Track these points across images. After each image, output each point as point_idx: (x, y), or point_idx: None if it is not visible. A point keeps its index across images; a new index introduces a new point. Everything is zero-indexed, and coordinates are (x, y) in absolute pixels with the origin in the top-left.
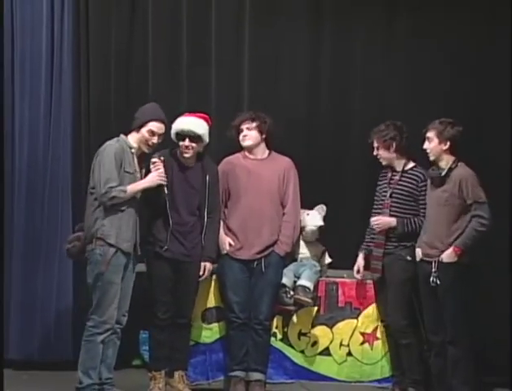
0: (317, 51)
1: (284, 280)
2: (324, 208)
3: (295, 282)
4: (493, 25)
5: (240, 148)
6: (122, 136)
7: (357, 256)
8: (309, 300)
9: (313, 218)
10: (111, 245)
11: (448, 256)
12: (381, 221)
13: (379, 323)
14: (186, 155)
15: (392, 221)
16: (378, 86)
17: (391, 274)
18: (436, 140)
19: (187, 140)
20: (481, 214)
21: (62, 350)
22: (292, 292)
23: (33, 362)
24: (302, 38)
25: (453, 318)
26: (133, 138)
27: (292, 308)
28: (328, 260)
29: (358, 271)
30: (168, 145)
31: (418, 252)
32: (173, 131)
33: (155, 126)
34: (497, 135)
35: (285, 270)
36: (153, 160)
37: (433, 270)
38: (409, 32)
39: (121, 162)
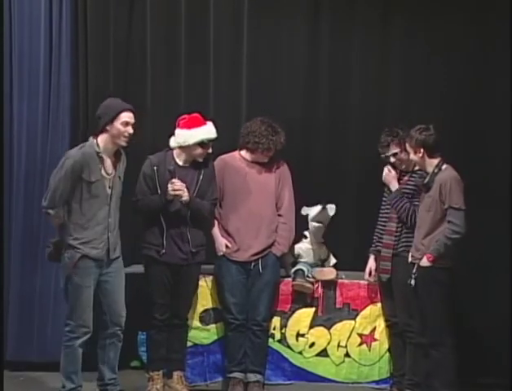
0: (315, 51)
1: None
2: (333, 207)
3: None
4: (492, 25)
5: (236, 147)
6: (92, 140)
7: (355, 256)
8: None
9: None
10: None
11: (423, 262)
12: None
13: (377, 324)
14: (201, 159)
15: (394, 186)
16: (376, 86)
17: (396, 276)
18: (412, 150)
19: (210, 147)
20: (453, 221)
21: (59, 351)
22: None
23: (30, 364)
24: (300, 38)
25: (432, 321)
26: (103, 140)
27: (309, 285)
28: (333, 261)
29: (370, 274)
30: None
31: (410, 255)
32: (198, 140)
33: (127, 116)
34: (496, 135)
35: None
36: (174, 180)
37: (413, 271)
38: (406, 32)
39: (81, 173)
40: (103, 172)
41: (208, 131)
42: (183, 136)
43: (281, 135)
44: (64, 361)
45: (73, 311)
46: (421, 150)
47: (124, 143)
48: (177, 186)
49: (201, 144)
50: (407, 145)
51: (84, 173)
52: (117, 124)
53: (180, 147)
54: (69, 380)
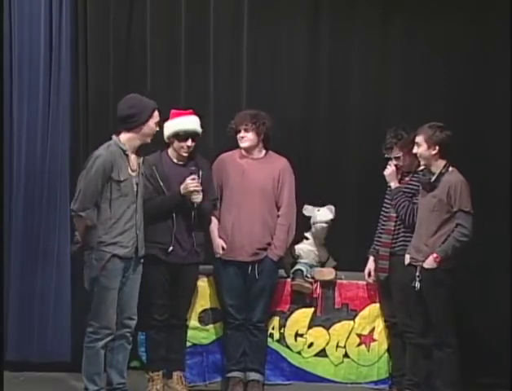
0: (315, 51)
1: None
2: (333, 208)
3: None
4: (492, 25)
5: (238, 146)
6: (115, 138)
7: (355, 256)
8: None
9: (323, 214)
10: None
11: (428, 262)
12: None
13: (376, 325)
14: (184, 154)
15: (395, 183)
16: (376, 86)
17: (394, 275)
18: (425, 145)
19: (189, 140)
20: (462, 224)
21: (60, 351)
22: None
23: (30, 364)
24: (300, 38)
25: (436, 322)
26: (129, 138)
27: (308, 285)
28: (332, 263)
29: (369, 274)
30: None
31: (407, 257)
32: (172, 131)
33: (158, 115)
34: (496, 135)
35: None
36: (194, 176)
37: (417, 274)
38: (406, 32)
39: (111, 172)
40: (129, 170)
41: (181, 123)
42: (164, 130)
43: (264, 117)
44: (86, 362)
45: (97, 312)
46: (437, 147)
47: (149, 141)
48: (197, 183)
49: (177, 137)
50: (420, 138)
51: (113, 172)
52: (152, 123)
53: (169, 144)
54: (92, 382)
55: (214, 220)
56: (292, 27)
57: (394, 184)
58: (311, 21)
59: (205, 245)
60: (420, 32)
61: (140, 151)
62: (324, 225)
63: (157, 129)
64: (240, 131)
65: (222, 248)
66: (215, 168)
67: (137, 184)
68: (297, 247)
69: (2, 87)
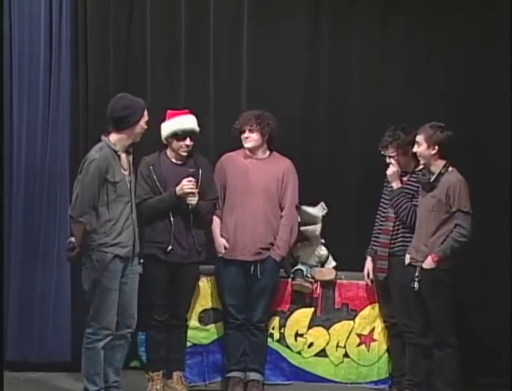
0: (315, 51)
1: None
2: (324, 205)
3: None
4: (492, 25)
5: (240, 145)
6: (105, 139)
7: (355, 256)
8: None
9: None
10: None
11: (426, 263)
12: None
13: (376, 325)
14: (184, 154)
15: (397, 184)
16: (376, 86)
17: (393, 275)
18: (425, 144)
19: (188, 139)
20: (461, 224)
21: (60, 351)
22: (309, 275)
23: (30, 364)
24: (300, 38)
25: (436, 322)
26: (120, 138)
27: (308, 285)
28: (332, 263)
29: (368, 275)
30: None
31: (407, 257)
32: (170, 131)
33: (147, 114)
34: (496, 135)
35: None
36: (191, 178)
37: (416, 274)
38: (406, 32)
39: (106, 175)
40: (122, 170)
41: (179, 122)
42: (162, 131)
43: (269, 118)
44: (86, 363)
45: (98, 313)
46: (436, 147)
47: (139, 139)
48: (193, 185)
49: (176, 136)
50: (420, 137)
51: (108, 174)
52: (142, 122)
53: (167, 144)
54: (92, 383)
55: (216, 219)
56: (292, 27)
57: (396, 185)
58: (311, 21)
59: (205, 245)
60: (420, 32)
61: (129, 148)
62: (304, 227)
63: (146, 127)
64: (244, 131)
65: (225, 248)
66: (219, 167)
67: (130, 182)
68: (297, 247)
69: (2, 87)
